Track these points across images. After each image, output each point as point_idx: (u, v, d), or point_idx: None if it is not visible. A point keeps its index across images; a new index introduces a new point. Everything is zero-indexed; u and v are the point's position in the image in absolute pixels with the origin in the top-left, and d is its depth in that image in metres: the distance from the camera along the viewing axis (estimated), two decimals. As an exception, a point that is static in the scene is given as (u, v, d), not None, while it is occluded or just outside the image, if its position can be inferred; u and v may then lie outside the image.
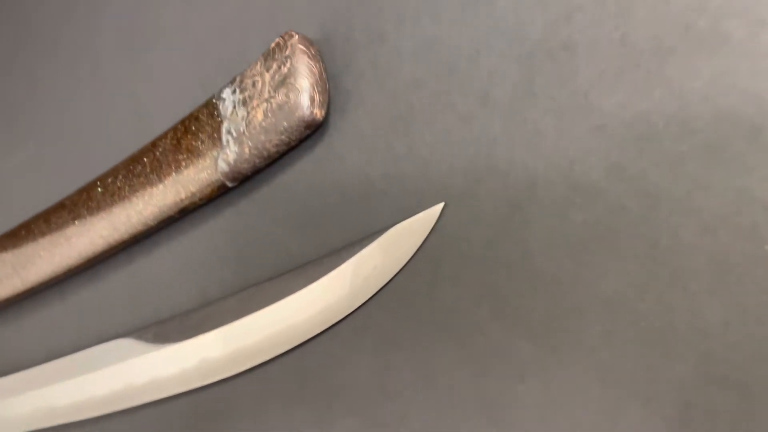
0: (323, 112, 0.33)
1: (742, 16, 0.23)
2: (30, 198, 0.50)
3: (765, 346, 0.22)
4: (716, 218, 0.23)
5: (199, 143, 0.36)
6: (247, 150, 0.34)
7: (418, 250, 0.30)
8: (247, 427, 0.35)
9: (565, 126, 0.26)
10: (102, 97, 0.47)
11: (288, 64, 0.32)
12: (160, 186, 0.37)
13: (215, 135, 0.35)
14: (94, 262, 0.42)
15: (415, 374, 0.29)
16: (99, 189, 0.40)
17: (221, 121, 0.35)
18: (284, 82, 0.32)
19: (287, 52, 0.32)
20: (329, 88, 0.33)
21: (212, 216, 0.38)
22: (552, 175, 0.27)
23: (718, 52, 0.23)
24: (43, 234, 0.43)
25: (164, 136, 0.38)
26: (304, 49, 0.32)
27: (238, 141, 0.34)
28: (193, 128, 0.36)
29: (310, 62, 0.32)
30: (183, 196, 0.37)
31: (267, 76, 0.33)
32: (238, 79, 0.35)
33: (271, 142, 0.33)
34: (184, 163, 0.36)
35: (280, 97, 0.32)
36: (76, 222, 0.41)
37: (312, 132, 0.33)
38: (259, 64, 0.34)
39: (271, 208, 0.36)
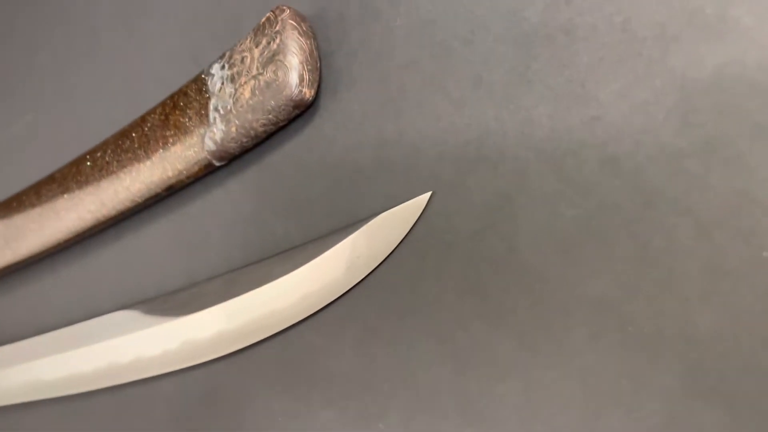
0: (313, 92, 0.31)
1: (751, 2, 0.21)
2: (28, 168, 0.50)
3: (756, 359, 0.20)
4: (713, 220, 0.22)
5: (187, 120, 0.35)
6: (234, 129, 0.33)
7: (403, 239, 0.29)
8: (228, 412, 0.35)
9: (559, 115, 0.25)
10: (99, 69, 0.46)
11: (278, 40, 0.31)
12: (148, 162, 0.36)
13: (203, 112, 0.34)
14: (82, 236, 0.42)
15: (396, 368, 0.28)
16: (88, 163, 0.40)
17: (209, 98, 0.34)
18: (273, 59, 0.31)
19: (277, 28, 0.31)
20: (321, 66, 0.32)
21: (200, 195, 0.37)
22: (543, 166, 0.25)
23: (725, 41, 0.22)
24: (33, 206, 0.43)
25: (153, 111, 0.37)
26: (295, 24, 0.31)
27: (225, 119, 0.33)
28: (182, 104, 0.35)
29: (301, 39, 0.31)
30: (170, 173, 0.36)
31: (256, 52, 0.32)
32: (227, 54, 0.33)
33: (258, 121, 0.32)
34: (171, 140, 0.35)
35: (268, 74, 0.31)
36: (65, 195, 0.41)
37: (301, 112, 0.32)
38: (248, 39, 0.32)
39: (259, 189, 0.35)
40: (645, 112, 0.23)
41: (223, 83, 0.33)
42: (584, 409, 0.24)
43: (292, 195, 0.33)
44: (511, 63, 0.26)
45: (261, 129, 0.32)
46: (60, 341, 0.42)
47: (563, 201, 0.25)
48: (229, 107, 0.33)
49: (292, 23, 0.31)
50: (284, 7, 0.31)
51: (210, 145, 0.33)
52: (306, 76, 0.31)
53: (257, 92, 0.31)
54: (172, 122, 0.35)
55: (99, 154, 0.39)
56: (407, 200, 0.29)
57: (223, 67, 0.33)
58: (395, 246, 0.29)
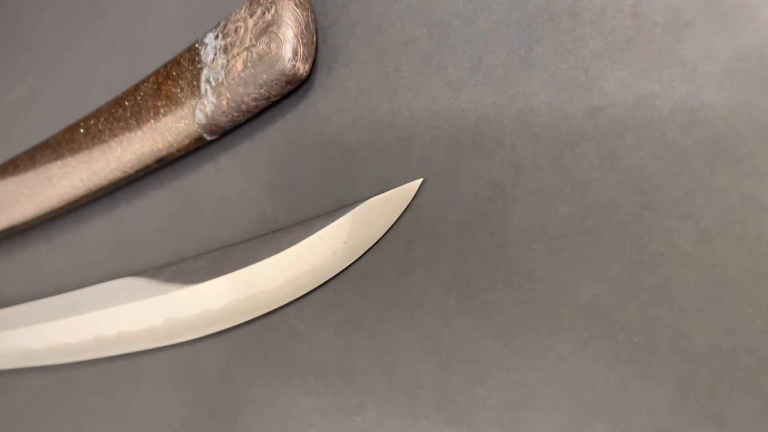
0: (307, 67, 0.30)
1: (773, -10, 0.19)
2: (29, 132, 0.49)
3: (754, 380, 0.19)
4: (716, 225, 0.20)
5: (178, 90, 0.33)
6: (224, 102, 0.31)
7: (391, 227, 0.28)
8: (207, 392, 0.34)
9: (560, 104, 0.23)
10: (101, 35, 0.45)
11: (272, 11, 0.29)
12: (138, 132, 0.35)
13: (194, 83, 0.33)
14: (75, 205, 0.41)
15: (377, 361, 0.27)
16: (81, 130, 0.39)
17: (201, 69, 0.32)
18: (267, 30, 0.29)
19: (273, -3, 0.29)
20: (317, 41, 0.31)
21: (192, 169, 0.36)
22: (540, 159, 0.24)
23: (742, 32, 0.20)
24: (27, 171, 0.42)
25: (147, 79, 0.35)
26: (292, -5, 0.29)
27: (216, 91, 0.31)
28: (174, 74, 0.34)
29: (297, 10, 0.29)
30: (160, 145, 0.34)
31: (250, 23, 0.30)
32: (222, 23, 0.32)
33: (249, 95, 0.31)
34: (162, 111, 0.34)
35: (261, 46, 0.29)
36: (58, 162, 0.40)
37: (294, 88, 0.31)
38: (244, 8, 0.31)
39: (250, 166, 0.33)
40: (650, 105, 0.21)
41: (216, 54, 0.32)
42: (567, 417, 0.22)
43: (283, 173, 0.32)
44: (513, 45, 0.24)
45: (253, 104, 0.31)
46: (47, 310, 0.41)
47: (558, 196, 0.23)
48: (220, 79, 0.31)
49: (288, -7, 0.29)
50: (281, -24, 0.30)
51: (200, 117, 0.32)
52: (300, 50, 0.29)
53: (249, 65, 0.30)
54: (164, 92, 0.34)
55: (92, 122, 0.38)
56: (398, 185, 0.27)
57: (216, 37, 0.32)
58: (383, 233, 0.28)
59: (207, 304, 0.33)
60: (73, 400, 0.41)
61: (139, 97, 0.35)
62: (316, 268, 0.29)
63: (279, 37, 0.29)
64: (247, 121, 0.33)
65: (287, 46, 0.29)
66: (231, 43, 0.31)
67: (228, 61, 0.31)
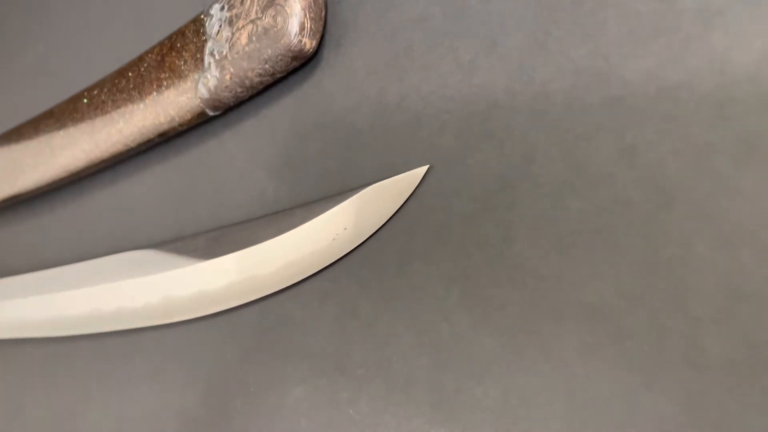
0: (314, 43, 0.29)
1: (817, -25, 0.17)
2: (37, 98, 0.48)
3: (769, 399, 0.17)
4: (739, 231, 0.18)
5: (182, 63, 0.32)
6: (228, 77, 0.30)
7: (393, 215, 0.26)
8: (204, 374, 0.33)
9: (577, 92, 0.22)
10: (111, 1, 0.44)
11: (280, -17, 0.28)
12: (141, 105, 0.34)
13: (198, 55, 0.31)
14: (77, 176, 0.40)
15: (372, 354, 0.26)
16: (85, 100, 0.38)
17: (205, 41, 0.31)
18: (273, 2, 0.28)
19: (281, -32, 0.28)
20: (325, 15, 0.29)
21: (195, 145, 0.35)
22: (553, 150, 0.22)
23: (780, 21, 0.18)
24: (31, 140, 0.41)
25: (151, 50, 0.34)
26: (301, -34, 0.28)
27: (220, 65, 0.30)
28: (178, 45, 0.33)
29: (305, -17, 0.28)
30: (162, 119, 0.33)
31: (257, -6, 0.29)
32: (229, -6, 0.31)
33: (253, 70, 0.29)
34: (165, 83, 0.33)
35: (267, 19, 0.28)
36: (61, 132, 0.39)
37: (300, 65, 0.29)
38: (251, -21, 0.29)
39: (253, 144, 0.32)
40: (675, 98, 0.20)
41: (221, 26, 0.30)
42: (567, 425, 0.21)
43: (286, 153, 0.31)
44: (530, 28, 0.23)
45: (257, 79, 0.30)
46: (46, 283, 0.41)
47: (570, 191, 0.22)
48: (224, 53, 0.30)
49: (297, -36, 0.28)
50: (290, -54, 0.28)
51: (203, 92, 0.31)
52: (308, 25, 0.28)
53: (254, 38, 0.29)
54: (167, 64, 0.33)
55: (96, 92, 0.37)
56: (402, 171, 0.26)
57: (222, 8, 0.30)
58: (384, 221, 0.27)
59: (204, 285, 0.32)
60: (69, 373, 0.40)
61: (142, 69, 0.34)
62: (314, 253, 0.28)
63: (286, 10, 0.28)
64: (252, 98, 0.32)
65: (294, 20, 0.28)
66: (236, 15, 0.30)
67: (233, 34, 0.30)
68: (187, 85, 0.32)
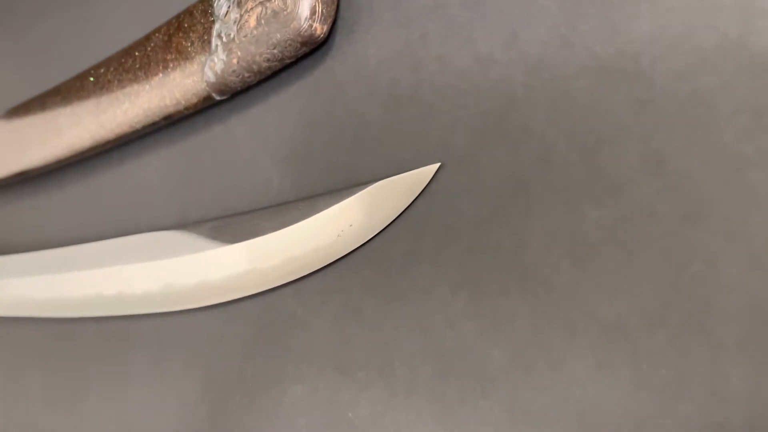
0: (325, 28, 0.27)
1: None
2: (46, 73, 0.47)
3: (796, 437, 0.16)
4: (772, 252, 0.17)
5: (189, 44, 0.31)
6: (235, 60, 0.29)
7: (402, 213, 0.25)
8: (202, 365, 0.32)
9: (602, 92, 0.20)
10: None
11: (292, -37, 0.26)
12: (147, 86, 0.33)
13: (205, 37, 0.30)
14: (83, 156, 0.39)
15: (374, 357, 0.25)
16: (91, 78, 0.37)
17: (213, 22, 0.30)
18: (284, -16, 0.27)
19: (293, -53, 0.26)
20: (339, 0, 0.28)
21: (201, 129, 0.34)
22: (572, 153, 0.21)
23: (830, 24, 0.16)
24: (38, 118, 0.40)
25: (158, 30, 0.33)
26: (314, -54, 0.26)
27: (227, 48, 0.29)
28: (186, 25, 0.31)
29: (318, -37, 0.26)
30: (168, 101, 0.32)
31: (267, -25, 0.27)
32: (239, -27, 0.29)
33: (261, 55, 0.28)
34: (171, 65, 0.32)
35: (276, 2, 0.27)
36: (67, 111, 0.38)
37: (311, 51, 0.28)
38: (262, -42, 0.28)
39: (260, 131, 0.31)
40: (708, 103, 0.18)
41: (229, 7, 0.29)
42: (575, 447, 0.20)
43: (293, 142, 0.29)
44: (554, 20, 0.21)
45: (265, 65, 0.28)
46: (51, 262, 0.40)
47: (589, 198, 0.20)
48: (232, 35, 0.29)
49: (310, -57, 0.26)
50: (303, -76, 0.27)
51: (209, 75, 0.30)
52: (319, 9, 0.27)
53: (263, 21, 0.27)
54: (174, 45, 0.32)
55: (102, 71, 0.36)
56: (412, 168, 0.25)
57: (231, -12, 0.29)
58: (392, 219, 0.25)
59: (205, 275, 0.31)
60: (70, 355, 0.40)
61: (149, 48, 0.33)
62: (318, 249, 0.27)
63: (296, -8, 0.26)
64: (260, 83, 0.30)
65: (305, 4, 0.26)
66: (246, -4, 0.28)
67: (241, 16, 0.28)
68: (193, 67, 0.31)
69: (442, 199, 0.24)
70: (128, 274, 0.35)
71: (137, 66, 0.34)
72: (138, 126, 0.34)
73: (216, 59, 0.29)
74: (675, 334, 0.18)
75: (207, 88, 0.30)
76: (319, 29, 0.27)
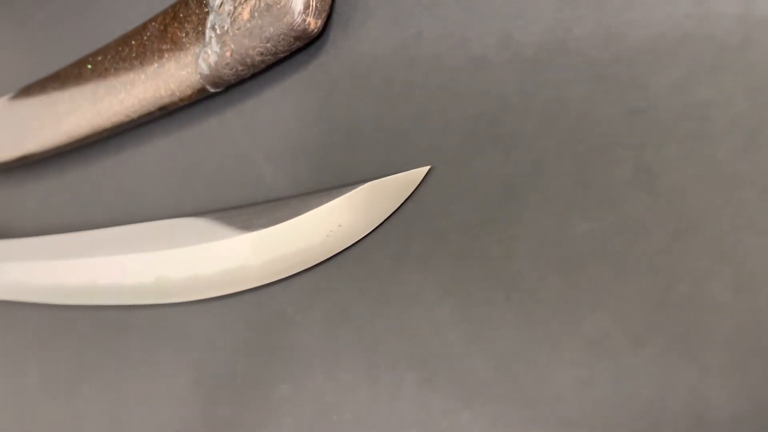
0: (319, 23, 0.26)
1: None
2: (51, 56, 0.47)
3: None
4: (762, 275, 0.16)
5: (183, 35, 0.30)
6: (228, 53, 0.28)
7: (391, 216, 0.25)
8: (194, 359, 0.32)
9: (595, 100, 0.19)
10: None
11: (286, -45, 0.26)
12: (142, 76, 0.32)
13: (199, 28, 0.30)
14: (81, 143, 0.39)
15: (360, 360, 0.25)
16: (89, 66, 0.36)
17: (208, 13, 0.29)
18: (277, -23, 0.26)
19: (288, -62, 0.26)
20: (334, -7, 0.27)
21: (197, 121, 0.34)
22: (564, 162, 0.20)
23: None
24: (37, 103, 0.40)
25: (155, 18, 0.33)
26: (310, -63, 0.26)
27: (221, 41, 0.28)
28: (181, 15, 0.31)
29: (313, -44, 0.26)
30: (162, 92, 0.32)
31: (261, -34, 0.27)
32: (234, -37, 0.29)
33: (255, 49, 0.27)
34: (166, 55, 0.31)
35: (270, -6, 0.26)
36: (65, 97, 0.38)
37: (304, 45, 0.27)
38: (257, -51, 0.27)
39: (254, 125, 0.31)
40: (703, 116, 0.17)
41: (224, -2, 0.28)
42: (556, 463, 0.19)
43: (286, 137, 0.29)
44: (549, 23, 0.21)
45: (258, 58, 0.28)
46: (49, 249, 0.40)
47: (579, 209, 0.19)
48: (225, 27, 0.28)
49: (305, -65, 0.26)
50: None
51: (203, 67, 0.29)
52: (313, 3, 0.26)
53: (256, 15, 0.27)
54: (169, 35, 0.31)
55: (100, 58, 0.36)
56: (403, 170, 0.24)
57: (226, -21, 0.29)
58: (381, 221, 0.25)
59: (197, 269, 0.31)
60: (67, 342, 0.40)
61: (145, 38, 0.33)
62: (308, 248, 0.27)
63: (290, -14, 0.26)
64: (255, 76, 0.30)
65: (299, -2, 0.26)
66: (240, -13, 0.28)
67: (235, 8, 0.28)
68: (188, 59, 0.30)
69: (431, 202, 0.23)
70: (121, 264, 0.35)
71: (133, 55, 0.33)
72: (134, 116, 0.34)
73: (210, 51, 0.29)
74: (659, 354, 0.18)
75: (201, 81, 0.30)
76: (313, 24, 0.26)
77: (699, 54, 0.17)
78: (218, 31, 0.28)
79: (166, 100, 0.32)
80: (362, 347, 0.25)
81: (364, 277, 0.25)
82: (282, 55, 0.28)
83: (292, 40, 0.27)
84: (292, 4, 0.26)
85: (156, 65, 0.32)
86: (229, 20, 0.28)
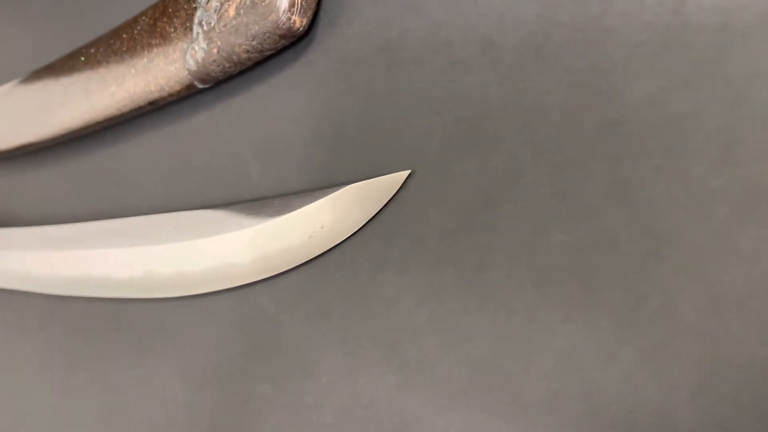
0: (305, 21, 0.26)
1: None
2: (50, 44, 0.47)
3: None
4: (732, 295, 0.16)
5: (172, 30, 0.30)
6: (215, 50, 0.28)
7: (371, 219, 0.24)
8: (182, 355, 0.32)
9: (572, 109, 0.19)
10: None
11: (272, -47, 0.25)
12: (132, 70, 0.32)
13: (187, 24, 0.29)
14: (75, 135, 0.39)
15: (340, 362, 0.25)
16: (82, 58, 0.36)
17: (195, 9, 0.29)
18: (262, -26, 0.26)
19: (274, -65, 0.25)
20: (321, -9, 0.27)
21: (187, 116, 0.34)
22: (540, 171, 0.20)
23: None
24: (33, 94, 0.40)
25: (145, 12, 0.32)
26: (296, -66, 0.25)
27: (208, 37, 0.28)
28: (170, 10, 0.30)
29: (299, -46, 0.25)
30: (152, 87, 0.32)
31: (247, -37, 0.26)
32: (222, -41, 0.28)
33: (241, 46, 0.27)
34: (155, 50, 0.31)
35: (255, -8, 0.26)
36: (59, 89, 0.38)
37: (291, 43, 0.27)
38: (244, -55, 0.27)
39: (242, 121, 0.30)
40: (678, 130, 0.17)
41: (211, -6, 0.28)
42: (525, 475, 0.19)
43: (273, 135, 0.29)
44: (530, 28, 0.20)
45: (244, 56, 0.28)
46: (45, 239, 0.41)
47: (554, 221, 0.19)
48: (212, 24, 0.28)
49: (291, -69, 0.25)
50: None
51: (191, 63, 0.29)
52: (298, 1, 0.26)
53: (242, 12, 0.26)
54: (158, 30, 0.31)
55: (92, 51, 0.36)
56: (385, 172, 0.24)
57: (214, -25, 0.28)
58: (363, 223, 0.25)
59: (183, 265, 0.31)
60: (63, 332, 0.40)
61: (135, 31, 0.32)
62: (290, 249, 0.27)
63: (275, -17, 0.25)
64: (243, 72, 0.30)
65: (284, -5, 0.25)
66: (226, -16, 0.27)
67: (221, 4, 0.27)
68: (176, 54, 0.30)
69: (411, 207, 0.23)
70: (111, 257, 0.35)
71: (124, 49, 0.33)
72: (125, 110, 0.34)
73: (197, 47, 0.29)
74: (628, 371, 0.17)
75: (189, 77, 0.30)
76: (298, 22, 0.26)
77: (676, 66, 0.17)
78: (205, 28, 0.28)
79: (156, 95, 0.32)
80: (342, 350, 0.25)
81: (345, 279, 0.25)
82: (268, 53, 0.28)
83: (277, 38, 0.26)
84: (277, 2, 0.25)
85: (146, 60, 0.32)
86: (215, 17, 0.28)
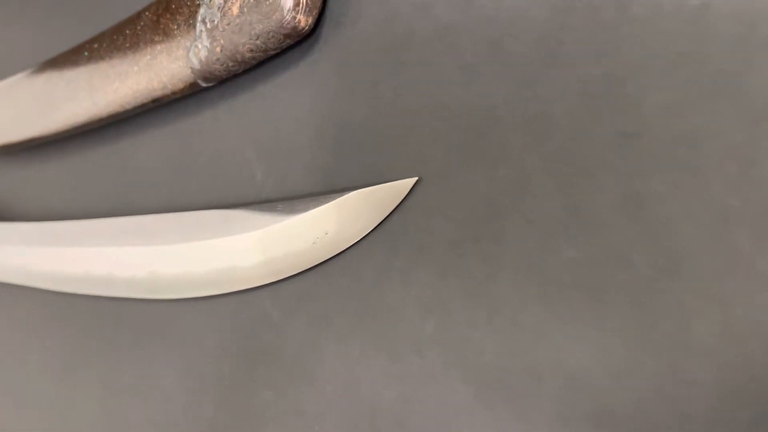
0: (310, 20, 0.25)
1: None
2: (55, 37, 0.46)
3: None
4: (750, 320, 0.15)
5: (175, 27, 0.29)
6: (218, 48, 0.27)
7: (377, 226, 0.24)
8: (182, 357, 0.32)
9: (585, 119, 0.18)
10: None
11: (276, -51, 0.25)
12: (135, 67, 0.32)
13: (190, 21, 0.29)
14: (79, 131, 0.38)
15: (342, 372, 0.24)
16: (86, 53, 0.36)
17: (199, 6, 0.28)
18: (267, -28, 0.25)
19: (278, -68, 0.25)
20: (326, -10, 0.26)
21: (191, 114, 0.33)
22: (550, 182, 0.19)
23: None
24: (37, 89, 0.40)
25: (148, 8, 0.32)
26: (301, -69, 0.25)
27: (211, 35, 0.27)
28: (173, 6, 0.30)
29: (304, -49, 0.25)
30: (155, 84, 0.31)
31: (251, -40, 0.26)
32: (226, -46, 0.27)
33: (244, 45, 0.27)
34: (159, 47, 0.30)
35: (259, -10, 0.25)
36: (63, 84, 0.37)
37: (295, 43, 0.26)
38: (248, -59, 0.26)
39: (246, 121, 0.30)
40: (696, 145, 0.16)
41: (215, -9, 0.27)
42: (530, 496, 0.19)
43: (277, 136, 0.28)
44: (541, 32, 0.19)
45: (248, 55, 0.27)
46: (47, 235, 0.40)
47: (564, 235, 0.18)
48: (216, 22, 0.27)
49: (296, -72, 0.25)
50: None
51: (194, 61, 0.29)
52: (303, 0, 0.25)
53: (245, 10, 0.26)
54: (161, 26, 0.30)
55: (96, 46, 0.35)
56: (391, 178, 0.23)
57: (217, -29, 0.27)
58: (367, 232, 0.24)
59: (186, 267, 0.30)
60: (61, 328, 0.40)
61: (138, 28, 0.32)
62: (295, 254, 0.26)
63: (279, -18, 0.24)
64: (247, 71, 0.29)
65: (289, -6, 0.24)
66: (230, -19, 0.27)
67: (225, 2, 0.27)
68: (179, 52, 0.29)
69: (417, 215, 0.22)
70: (115, 256, 0.35)
71: (127, 45, 0.32)
72: (128, 107, 0.34)
73: (200, 46, 0.28)
74: (639, 396, 0.17)
75: (192, 75, 0.29)
76: (303, 21, 0.25)
77: (694, 76, 0.16)
78: (209, 25, 0.28)
79: (159, 93, 0.31)
80: (345, 359, 0.24)
81: (350, 286, 0.24)
82: (273, 53, 0.27)
83: (282, 37, 0.26)
84: (282, 1, 0.25)
85: (149, 57, 0.31)
86: (219, 14, 0.27)
